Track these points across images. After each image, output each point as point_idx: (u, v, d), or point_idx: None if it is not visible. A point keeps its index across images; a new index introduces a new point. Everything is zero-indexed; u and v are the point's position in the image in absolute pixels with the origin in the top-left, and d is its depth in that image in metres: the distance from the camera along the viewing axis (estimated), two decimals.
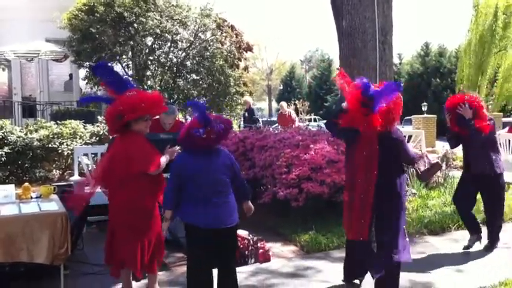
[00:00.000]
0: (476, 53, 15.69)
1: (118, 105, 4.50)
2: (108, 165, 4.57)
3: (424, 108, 23.17)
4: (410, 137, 11.68)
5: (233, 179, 4.42)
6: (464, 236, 6.70)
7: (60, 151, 10.54)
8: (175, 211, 4.41)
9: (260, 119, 26.83)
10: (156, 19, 15.29)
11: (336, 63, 42.25)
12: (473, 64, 15.94)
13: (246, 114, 16.40)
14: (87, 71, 16.30)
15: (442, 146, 11.83)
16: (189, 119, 16.50)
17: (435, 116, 21.23)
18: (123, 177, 4.47)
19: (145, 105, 4.52)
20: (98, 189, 4.81)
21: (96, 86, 15.40)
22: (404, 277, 5.31)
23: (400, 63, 40.71)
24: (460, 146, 6.55)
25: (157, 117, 5.93)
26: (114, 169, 4.50)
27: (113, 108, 4.54)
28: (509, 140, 10.32)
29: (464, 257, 6.11)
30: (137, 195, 4.52)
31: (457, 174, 9.96)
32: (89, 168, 8.40)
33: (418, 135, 11.96)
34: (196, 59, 16.76)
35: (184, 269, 5.65)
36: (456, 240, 6.77)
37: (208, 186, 4.25)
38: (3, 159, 9.84)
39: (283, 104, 15.69)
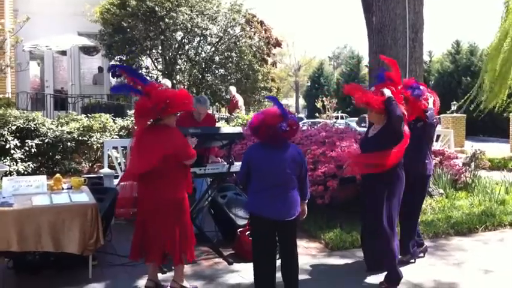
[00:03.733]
0: (506, 51, 15.37)
1: (159, 98, 4.58)
2: (143, 157, 4.62)
3: (453, 108, 22.81)
4: (438, 136, 11.54)
5: (299, 176, 4.49)
6: (491, 237, 6.62)
7: (90, 144, 10.72)
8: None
9: None
10: (186, 14, 15.41)
11: (365, 60, 41.86)
12: (501, 65, 15.63)
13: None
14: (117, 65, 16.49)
15: (471, 146, 11.66)
16: (215, 113, 16.52)
17: (465, 115, 20.95)
18: (161, 169, 4.54)
19: (184, 102, 4.72)
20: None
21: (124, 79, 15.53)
22: (429, 277, 5.32)
23: (430, 61, 40.12)
24: (491, 145, 6.40)
25: None
26: (151, 160, 4.55)
27: (154, 100, 4.58)
28: None
29: (491, 258, 6.04)
30: (174, 186, 4.64)
31: (485, 174, 9.92)
32: (118, 162, 8.52)
33: (447, 135, 11.82)
34: (225, 54, 16.84)
35: (209, 262, 5.77)
36: (483, 241, 6.71)
37: (273, 179, 4.37)
38: (33, 150, 10.05)
39: (232, 88, 14.64)
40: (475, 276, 5.45)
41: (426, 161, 5.71)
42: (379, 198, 5.04)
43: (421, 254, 6.01)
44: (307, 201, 4.68)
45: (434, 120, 5.75)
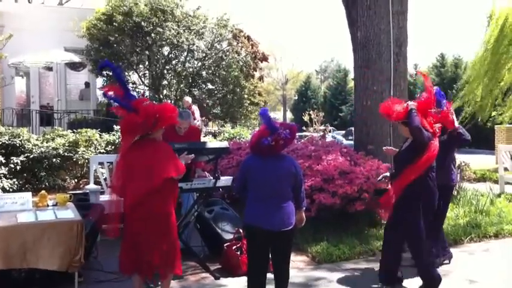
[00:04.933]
0: (489, 64, 15.58)
1: (149, 113, 4.59)
2: (132, 173, 4.61)
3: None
4: None
5: (294, 187, 4.53)
6: (476, 248, 6.67)
7: (75, 160, 10.67)
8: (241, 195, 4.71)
9: None
10: (173, 29, 15.46)
11: (352, 74, 42.06)
12: (487, 76, 15.83)
13: None
14: (104, 80, 16.48)
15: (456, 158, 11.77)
16: (203, 128, 16.51)
17: None
18: (151, 185, 4.54)
19: (172, 115, 4.76)
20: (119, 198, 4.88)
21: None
22: None
23: (416, 74, 40.50)
24: (477, 156, 6.63)
25: None
26: (140, 176, 4.55)
27: (144, 115, 4.59)
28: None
29: (476, 269, 6.09)
30: (162, 200, 4.64)
31: (470, 186, 10.02)
32: (104, 177, 8.49)
33: None
34: (212, 68, 16.89)
35: (196, 277, 5.75)
36: (469, 252, 6.78)
37: (268, 190, 4.41)
38: (18, 167, 9.99)
39: (187, 99, 14.30)
40: (460, 286, 5.49)
41: (451, 172, 6.12)
42: (416, 215, 5.20)
43: (446, 261, 6.21)
44: (304, 209, 4.72)
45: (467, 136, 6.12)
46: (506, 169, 11.32)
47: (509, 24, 15.05)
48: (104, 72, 15.75)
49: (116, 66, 5.40)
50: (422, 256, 5.23)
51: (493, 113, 17.25)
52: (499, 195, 10.00)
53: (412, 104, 5.26)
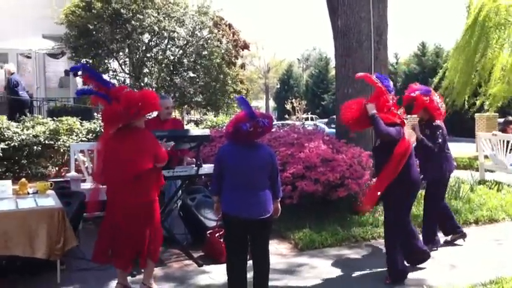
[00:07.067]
0: (469, 53, 15.77)
1: (130, 101, 4.56)
2: (113, 162, 4.59)
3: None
4: None
5: (270, 176, 4.53)
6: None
7: (56, 147, 10.57)
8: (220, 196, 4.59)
9: None
10: (153, 16, 15.30)
11: (333, 62, 42.19)
12: (466, 65, 16.02)
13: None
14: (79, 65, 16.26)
15: None
16: (185, 116, 16.52)
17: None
18: (135, 172, 4.52)
19: (155, 102, 4.74)
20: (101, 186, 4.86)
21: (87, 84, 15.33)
22: None
23: (396, 63, 40.75)
24: (458, 144, 6.73)
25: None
26: (125, 164, 4.53)
27: (125, 104, 4.55)
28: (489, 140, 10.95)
29: (456, 254, 6.19)
30: (146, 189, 4.63)
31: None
32: (86, 166, 8.43)
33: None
34: (194, 56, 16.78)
35: (179, 264, 5.76)
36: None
37: (244, 178, 4.40)
38: None
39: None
40: (442, 272, 5.58)
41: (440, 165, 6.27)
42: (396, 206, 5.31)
43: (434, 248, 6.33)
44: (279, 199, 4.71)
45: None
46: (486, 157, 11.47)
47: (484, 15, 15.23)
48: (83, 60, 15.55)
49: (89, 68, 5.29)
50: (390, 247, 5.29)
51: (476, 102, 17.43)
52: (479, 183, 10.14)
53: (370, 107, 5.22)
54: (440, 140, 6.17)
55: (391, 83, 5.50)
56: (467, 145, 19.70)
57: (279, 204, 4.72)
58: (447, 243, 6.59)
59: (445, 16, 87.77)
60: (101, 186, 4.87)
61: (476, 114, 19.16)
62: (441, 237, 6.62)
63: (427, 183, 6.40)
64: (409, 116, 6.49)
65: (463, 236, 6.64)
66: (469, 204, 8.20)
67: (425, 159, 6.24)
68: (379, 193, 5.38)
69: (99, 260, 4.77)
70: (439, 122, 6.28)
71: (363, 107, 5.30)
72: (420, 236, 5.98)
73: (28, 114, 12.16)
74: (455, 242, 6.63)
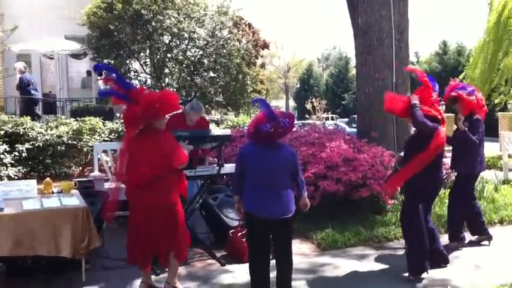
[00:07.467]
0: (491, 51, 15.55)
1: (148, 103, 4.58)
2: (134, 163, 4.62)
3: (443, 108, 22.84)
4: None
5: (292, 175, 4.54)
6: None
7: (79, 147, 10.67)
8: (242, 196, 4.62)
9: None
10: (173, 17, 15.37)
11: (353, 61, 41.92)
12: (487, 63, 15.78)
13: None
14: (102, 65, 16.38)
15: None
16: (206, 116, 16.57)
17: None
18: (152, 174, 4.54)
19: (174, 102, 4.77)
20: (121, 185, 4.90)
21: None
22: (423, 273, 5.36)
23: (417, 62, 40.34)
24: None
25: (179, 111, 6.07)
26: (143, 166, 4.56)
27: (143, 106, 4.58)
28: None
29: (481, 255, 6.12)
30: (167, 190, 4.64)
31: None
32: (109, 165, 8.50)
33: None
34: (214, 56, 16.81)
35: (202, 264, 5.79)
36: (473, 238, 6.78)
37: (265, 178, 4.42)
38: (24, 155, 9.99)
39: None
40: (466, 272, 5.52)
41: (475, 160, 6.26)
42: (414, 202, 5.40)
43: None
44: (305, 194, 4.72)
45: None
46: (510, 156, 11.32)
47: (507, 13, 15.02)
48: (105, 60, 15.69)
49: (111, 67, 5.35)
50: (407, 239, 5.46)
51: (497, 100, 17.21)
52: (503, 182, 10.01)
53: (413, 98, 5.37)
54: (480, 133, 6.18)
55: (437, 84, 5.68)
56: (491, 144, 19.40)
57: (307, 200, 4.73)
58: (472, 243, 6.52)
59: (467, 14, 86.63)
60: (121, 185, 4.91)
61: (499, 113, 18.94)
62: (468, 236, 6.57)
63: (456, 177, 6.42)
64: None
65: (489, 238, 6.55)
66: (494, 204, 8.11)
67: (462, 152, 6.22)
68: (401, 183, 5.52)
69: (131, 262, 4.83)
70: (478, 116, 6.24)
71: (408, 98, 5.48)
72: (441, 236, 5.95)
73: (38, 112, 12.15)
74: (481, 243, 6.56)
